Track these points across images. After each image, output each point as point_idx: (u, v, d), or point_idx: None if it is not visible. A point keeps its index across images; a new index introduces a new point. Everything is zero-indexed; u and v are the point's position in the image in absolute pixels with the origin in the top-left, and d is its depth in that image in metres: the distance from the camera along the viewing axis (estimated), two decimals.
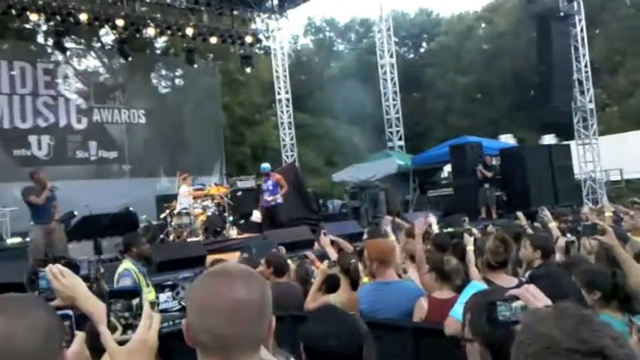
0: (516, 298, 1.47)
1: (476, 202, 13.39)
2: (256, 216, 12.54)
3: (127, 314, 1.35)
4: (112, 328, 1.33)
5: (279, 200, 11.67)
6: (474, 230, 5.36)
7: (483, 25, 35.06)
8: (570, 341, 1.08)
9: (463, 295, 2.96)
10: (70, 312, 1.52)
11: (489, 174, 13.57)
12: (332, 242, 5.87)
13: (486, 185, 13.47)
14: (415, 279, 4.46)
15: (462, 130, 23.57)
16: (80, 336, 1.49)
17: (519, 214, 7.27)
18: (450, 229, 6.30)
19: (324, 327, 1.93)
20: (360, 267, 4.81)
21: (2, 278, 6.76)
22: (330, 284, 4.73)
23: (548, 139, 21.27)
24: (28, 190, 8.83)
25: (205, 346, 1.29)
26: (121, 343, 1.32)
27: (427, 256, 4.18)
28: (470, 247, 4.04)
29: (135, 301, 1.36)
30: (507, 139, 21.20)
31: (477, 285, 3.02)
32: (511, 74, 30.08)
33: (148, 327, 1.35)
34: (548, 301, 1.44)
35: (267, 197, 11.67)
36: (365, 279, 4.71)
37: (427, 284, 3.95)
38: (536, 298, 1.45)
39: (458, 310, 2.92)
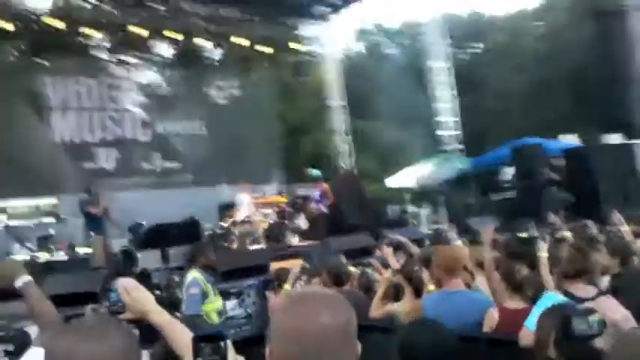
0: (593, 311, 1.42)
1: (542, 206, 12.96)
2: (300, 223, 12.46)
3: (216, 357, 1.37)
4: None
5: (323, 209, 11.53)
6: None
7: (540, 22, 34.11)
8: None
9: (539, 306, 2.89)
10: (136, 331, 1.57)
11: (557, 176, 13.11)
12: (398, 247, 5.81)
13: (553, 188, 13.03)
14: (484, 288, 4.38)
15: (521, 131, 22.93)
16: (145, 354, 1.51)
17: (589, 222, 6.97)
18: (523, 235, 6.08)
19: (420, 337, 2.01)
20: (426, 275, 4.78)
21: (77, 288, 7.02)
22: (394, 293, 4.70)
23: (614, 139, 20.38)
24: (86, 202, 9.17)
25: None
26: None
27: (497, 264, 4.09)
28: (543, 254, 3.92)
29: (222, 344, 1.38)
30: (570, 140, 20.43)
31: (553, 296, 2.94)
32: (568, 72, 29.09)
33: None
34: (625, 313, 1.39)
35: (315, 205, 11.56)
36: (431, 287, 4.65)
37: (497, 294, 3.87)
38: (613, 310, 1.40)
39: (533, 321, 2.85)
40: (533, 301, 3.42)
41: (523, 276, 3.56)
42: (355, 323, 1.32)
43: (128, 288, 1.97)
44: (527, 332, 2.90)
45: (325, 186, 11.90)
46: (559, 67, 29.47)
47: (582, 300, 2.97)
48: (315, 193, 11.67)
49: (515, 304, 3.51)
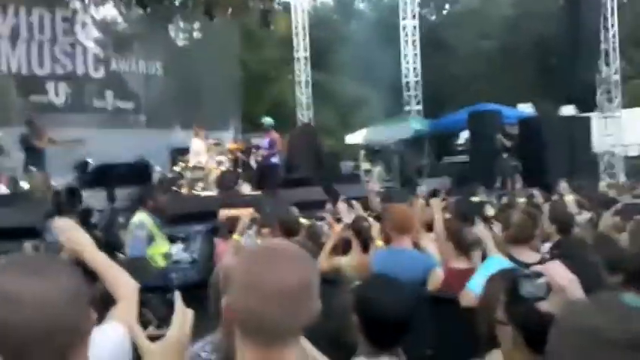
0: (540, 274, 1.43)
1: (492, 172, 13.25)
2: None
3: (162, 308, 1.31)
4: (146, 322, 1.29)
5: (274, 160, 11.33)
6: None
7: None
8: (617, 333, 1.03)
9: (484, 268, 2.92)
10: None
11: (509, 143, 13.37)
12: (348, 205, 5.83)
13: (504, 155, 13.30)
14: (431, 249, 4.43)
15: (482, 96, 23.19)
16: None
17: (536, 192, 7.13)
18: (473, 198, 6.17)
19: (380, 294, 2.06)
20: (375, 230, 4.80)
21: (17, 222, 6.85)
22: (343, 247, 4.73)
23: (568, 111, 20.89)
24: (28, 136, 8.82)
25: (246, 328, 1.24)
26: (153, 338, 1.29)
27: (446, 225, 4.12)
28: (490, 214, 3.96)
29: (169, 296, 1.32)
30: (526, 108, 20.83)
31: (498, 259, 2.97)
32: (536, 41, 29.37)
33: (182, 324, 1.31)
34: (573, 278, 1.40)
35: (262, 153, 11.30)
36: (379, 242, 4.69)
37: (444, 255, 3.92)
38: (561, 275, 1.40)
39: (475, 282, 2.88)
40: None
41: (472, 238, 3.60)
42: (317, 278, 1.29)
43: (64, 227, 1.90)
44: (469, 293, 2.94)
45: (275, 135, 11.67)
46: (526, 36, 29.71)
47: (527, 265, 3.02)
48: (265, 142, 11.36)
49: (461, 264, 3.55)
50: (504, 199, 7.43)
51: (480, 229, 3.41)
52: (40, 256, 1.28)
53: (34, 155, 8.86)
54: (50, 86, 15.33)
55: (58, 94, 15.44)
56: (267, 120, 11.57)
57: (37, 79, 15.20)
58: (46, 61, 15.42)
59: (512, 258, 3.18)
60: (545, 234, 4.33)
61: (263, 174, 11.17)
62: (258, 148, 11.91)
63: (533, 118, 16.17)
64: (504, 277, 1.87)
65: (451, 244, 3.65)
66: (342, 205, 5.68)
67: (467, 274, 3.19)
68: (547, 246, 4.08)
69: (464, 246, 3.56)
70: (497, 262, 2.96)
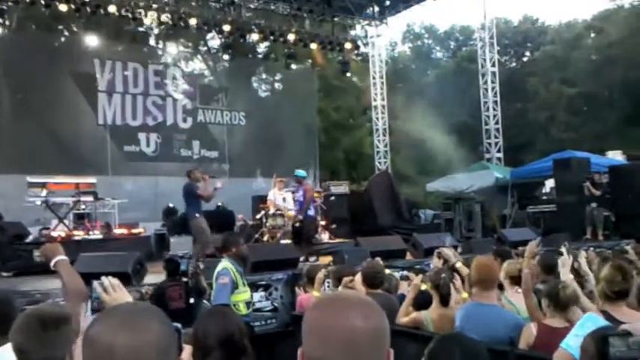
0: (630, 333, 1.35)
1: (581, 222, 12.64)
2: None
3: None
4: None
5: (310, 213, 10.84)
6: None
7: (593, 34, 33.18)
8: None
9: (579, 327, 2.77)
10: (179, 325, 1.55)
11: (597, 192, 12.76)
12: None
13: (593, 204, 12.68)
14: (515, 302, 4.27)
15: (565, 143, 22.45)
16: (188, 349, 1.50)
17: (628, 248, 6.70)
18: (562, 250, 5.91)
19: (452, 348, 1.98)
20: (458, 282, 4.68)
21: (110, 267, 7.13)
22: (422, 300, 4.64)
23: None
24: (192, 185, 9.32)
25: None
26: None
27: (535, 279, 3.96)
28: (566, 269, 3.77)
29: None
30: (616, 156, 19.88)
31: (594, 318, 2.81)
32: (621, 87, 28.26)
33: None
34: None
35: (296, 207, 10.94)
36: (464, 295, 4.56)
37: (533, 309, 3.76)
38: None
39: (570, 343, 2.74)
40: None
41: (568, 294, 3.44)
42: (387, 329, 1.27)
43: (109, 287, 2.02)
44: (564, 353, 2.79)
45: (308, 186, 11.37)
46: (610, 82, 28.65)
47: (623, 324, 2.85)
48: (299, 193, 10.86)
49: (556, 322, 3.39)
50: (595, 252, 7.05)
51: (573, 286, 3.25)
52: (135, 307, 1.34)
53: (195, 202, 9.35)
54: (142, 136, 16.30)
55: (149, 144, 16.36)
56: (300, 172, 11.37)
57: (130, 129, 16.19)
58: (139, 112, 16.43)
59: (608, 316, 3.01)
60: None
61: (300, 226, 10.89)
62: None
63: (625, 166, 15.38)
64: (596, 336, 1.77)
65: (546, 300, 3.49)
66: (447, 250, 5.56)
67: (562, 332, 3.04)
68: None
69: (560, 304, 3.40)
70: (593, 320, 2.81)
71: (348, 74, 19.79)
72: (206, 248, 9.08)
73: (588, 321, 2.77)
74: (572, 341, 2.69)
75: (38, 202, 10.67)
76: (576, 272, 4.24)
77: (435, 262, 5.45)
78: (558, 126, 30.23)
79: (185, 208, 9.73)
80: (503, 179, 16.70)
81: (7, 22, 13.77)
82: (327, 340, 1.20)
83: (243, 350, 2.63)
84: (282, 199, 11.80)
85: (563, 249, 4.34)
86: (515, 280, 4.45)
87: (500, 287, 4.39)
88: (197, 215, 9.27)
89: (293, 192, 11.47)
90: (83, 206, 11.23)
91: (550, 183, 15.29)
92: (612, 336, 1.37)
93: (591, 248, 7.65)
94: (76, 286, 2.70)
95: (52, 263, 2.75)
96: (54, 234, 10.32)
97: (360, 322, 1.21)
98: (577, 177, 13.34)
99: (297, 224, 10.71)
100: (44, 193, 10.55)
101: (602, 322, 2.83)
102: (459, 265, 4.97)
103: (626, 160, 18.36)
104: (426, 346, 2.28)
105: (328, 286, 5.84)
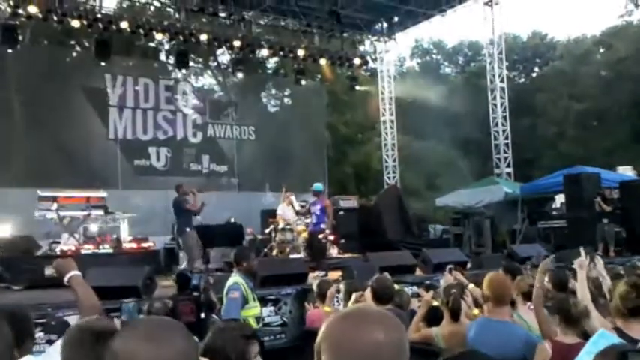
0: None
1: (592, 238, 12.56)
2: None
3: None
4: None
5: (323, 227, 10.63)
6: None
7: (602, 50, 33.19)
8: None
9: (591, 344, 2.75)
10: (196, 339, 1.56)
11: (608, 208, 12.69)
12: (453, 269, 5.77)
13: (605, 220, 12.61)
14: (527, 318, 4.25)
15: (574, 159, 22.34)
16: None
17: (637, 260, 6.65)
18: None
19: None
20: (469, 299, 4.67)
21: (120, 281, 7.16)
22: (433, 316, 4.63)
23: None
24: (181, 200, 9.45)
25: None
26: None
27: (546, 295, 3.94)
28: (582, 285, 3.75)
29: None
30: (626, 171, 19.79)
31: (606, 334, 2.79)
32: (631, 102, 28.20)
33: None
34: None
35: (313, 221, 10.81)
36: (475, 311, 4.55)
37: (545, 326, 3.74)
38: None
39: (583, 358, 2.72)
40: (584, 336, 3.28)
41: (579, 310, 3.42)
42: (407, 342, 1.29)
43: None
44: None
45: (327, 202, 11.27)
46: (620, 97, 28.60)
47: (638, 341, 2.83)
48: (317, 207, 10.72)
49: (568, 338, 3.37)
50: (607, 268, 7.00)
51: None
52: (159, 321, 1.37)
53: (184, 216, 9.45)
54: (152, 151, 16.42)
55: (159, 158, 16.47)
56: (318, 186, 11.29)
57: (140, 144, 16.32)
58: (149, 127, 16.56)
59: (621, 333, 2.98)
60: None
61: (313, 241, 10.81)
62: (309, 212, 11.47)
63: (636, 182, 15.30)
64: (611, 353, 1.76)
65: (558, 317, 3.47)
66: (448, 276, 5.60)
67: (575, 348, 3.02)
68: None
69: (571, 320, 3.38)
70: (606, 337, 2.79)
71: (357, 88, 19.85)
72: (193, 262, 9.12)
73: (601, 338, 2.75)
74: (585, 358, 2.68)
75: (49, 216, 10.75)
76: (591, 281, 4.22)
77: (447, 278, 5.44)
78: (567, 141, 30.15)
79: (176, 222, 9.78)
80: (513, 194, 16.65)
81: (20, 38, 13.91)
82: (351, 354, 1.21)
83: None
84: (290, 213, 11.84)
85: (581, 250, 4.33)
86: (527, 295, 4.44)
87: (512, 304, 4.37)
88: (187, 230, 9.35)
89: (308, 205, 11.47)
90: (93, 220, 11.28)
91: (560, 198, 15.22)
92: (632, 352, 1.36)
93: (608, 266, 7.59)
94: (92, 301, 2.75)
95: (65, 278, 2.79)
96: (64, 248, 10.37)
97: (382, 335, 1.22)
98: (587, 192, 13.28)
99: (319, 236, 10.67)
100: (55, 207, 10.63)
101: (615, 339, 2.82)
102: (471, 287, 4.97)
103: (637, 176, 18.28)
104: None
105: (337, 301, 5.83)
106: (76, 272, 2.81)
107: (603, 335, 2.87)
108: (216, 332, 2.65)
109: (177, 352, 1.22)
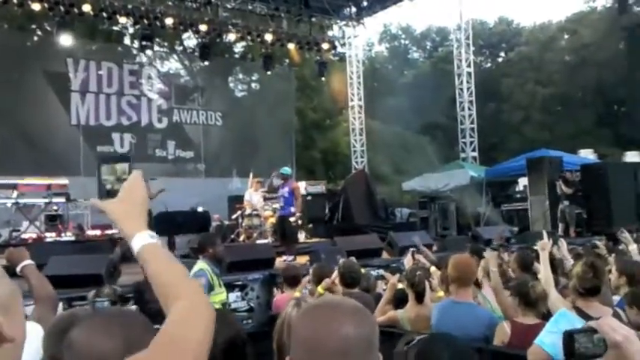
0: (595, 330, 1.35)
1: (553, 219, 12.84)
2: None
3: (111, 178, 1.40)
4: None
5: (292, 210, 10.48)
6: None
7: (567, 35, 33.75)
8: None
9: (552, 324, 2.80)
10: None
11: (569, 190, 12.98)
12: (416, 252, 5.81)
13: (566, 202, 12.90)
14: (491, 299, 4.30)
15: (539, 143, 22.74)
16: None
17: (599, 243, 6.80)
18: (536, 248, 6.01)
19: (443, 353, 1.98)
20: (435, 281, 4.71)
21: (83, 269, 7.03)
22: (399, 299, 4.65)
23: (632, 156, 20.14)
24: None
25: None
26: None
27: (508, 274, 4.00)
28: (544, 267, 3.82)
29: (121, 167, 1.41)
30: (588, 155, 20.24)
31: (566, 314, 2.85)
32: (594, 88, 28.81)
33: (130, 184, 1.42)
34: (629, 333, 1.30)
35: (281, 204, 10.69)
36: (440, 293, 4.59)
37: (506, 307, 3.79)
38: (615, 330, 1.31)
39: (544, 339, 2.77)
40: (544, 317, 3.33)
41: (538, 293, 3.47)
42: (377, 333, 1.26)
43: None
44: (537, 349, 2.81)
45: (295, 184, 11.24)
46: (584, 82, 29.17)
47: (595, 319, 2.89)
48: (285, 190, 10.50)
49: (528, 319, 3.42)
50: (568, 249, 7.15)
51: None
52: (116, 312, 1.40)
53: None
54: (116, 137, 16.10)
55: (123, 144, 16.16)
56: (286, 169, 11.22)
57: (103, 130, 15.98)
58: (113, 112, 16.22)
59: (581, 312, 3.04)
60: (613, 286, 4.12)
61: (285, 224, 10.73)
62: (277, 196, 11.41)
63: (597, 165, 15.66)
64: (563, 334, 1.79)
65: (517, 299, 3.52)
66: (409, 258, 5.64)
67: (534, 329, 3.06)
68: (616, 299, 3.89)
69: (530, 302, 3.43)
70: (566, 316, 2.84)
71: (325, 74, 19.77)
72: None
73: (562, 317, 2.80)
74: (546, 338, 2.72)
75: (9, 204, 10.47)
76: (552, 263, 4.30)
77: (408, 260, 5.48)
78: (532, 126, 30.68)
79: None
80: (478, 178, 16.87)
81: None
82: (319, 349, 1.18)
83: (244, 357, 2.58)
84: (258, 199, 11.77)
85: (543, 232, 4.39)
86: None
87: (479, 285, 4.43)
88: None
89: (271, 179, 11.36)
90: (55, 207, 11.02)
91: (523, 181, 15.48)
92: (578, 333, 1.37)
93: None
94: (46, 291, 2.69)
95: (18, 268, 2.70)
96: (25, 236, 10.12)
97: (352, 330, 1.19)
98: (550, 175, 13.55)
99: (288, 219, 10.53)
100: (15, 194, 10.35)
101: (575, 318, 2.87)
102: (432, 269, 5.02)
103: (598, 159, 18.73)
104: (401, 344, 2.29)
105: (308, 285, 5.83)
106: (29, 262, 2.73)
107: (564, 315, 2.92)
108: None
109: (119, 344, 1.23)
